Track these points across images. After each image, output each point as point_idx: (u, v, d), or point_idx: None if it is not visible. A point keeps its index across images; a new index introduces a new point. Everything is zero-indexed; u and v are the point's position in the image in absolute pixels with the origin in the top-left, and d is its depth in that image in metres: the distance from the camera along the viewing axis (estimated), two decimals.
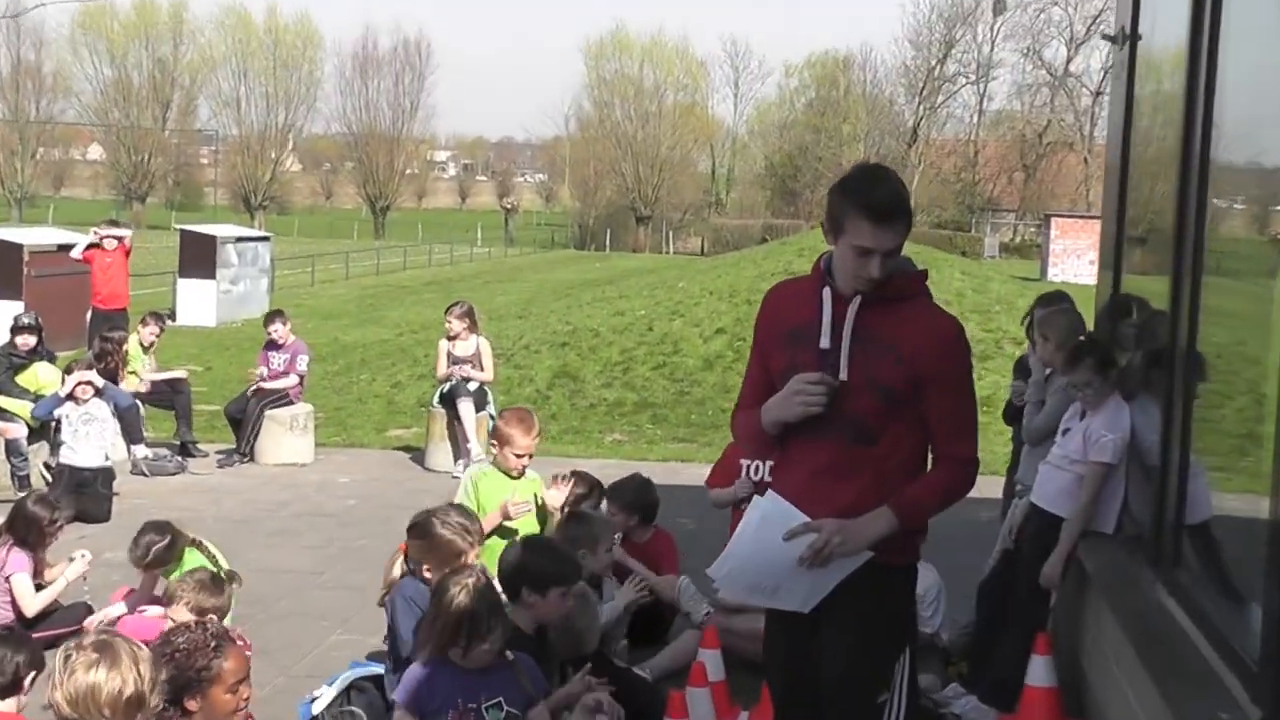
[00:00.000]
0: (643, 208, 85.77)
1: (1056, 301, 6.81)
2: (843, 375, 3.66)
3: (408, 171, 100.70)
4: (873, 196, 3.55)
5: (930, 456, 3.79)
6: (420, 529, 5.16)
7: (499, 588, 4.85)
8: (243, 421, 12.26)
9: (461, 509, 5.54)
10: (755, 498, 3.81)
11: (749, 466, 6.59)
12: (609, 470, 9.37)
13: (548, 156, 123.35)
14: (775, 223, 70.83)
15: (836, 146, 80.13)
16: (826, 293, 3.74)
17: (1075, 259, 45.36)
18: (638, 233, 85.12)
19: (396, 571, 5.17)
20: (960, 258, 37.33)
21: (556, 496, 6.35)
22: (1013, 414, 6.95)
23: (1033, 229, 78.07)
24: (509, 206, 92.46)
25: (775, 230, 64.93)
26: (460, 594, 4.46)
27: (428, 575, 5.10)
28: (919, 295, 3.77)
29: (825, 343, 3.69)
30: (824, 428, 3.68)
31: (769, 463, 3.92)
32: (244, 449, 12.24)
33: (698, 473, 10.26)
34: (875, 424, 3.66)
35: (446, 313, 12.14)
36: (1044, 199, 78.54)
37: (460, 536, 5.04)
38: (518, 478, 6.53)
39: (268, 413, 12.29)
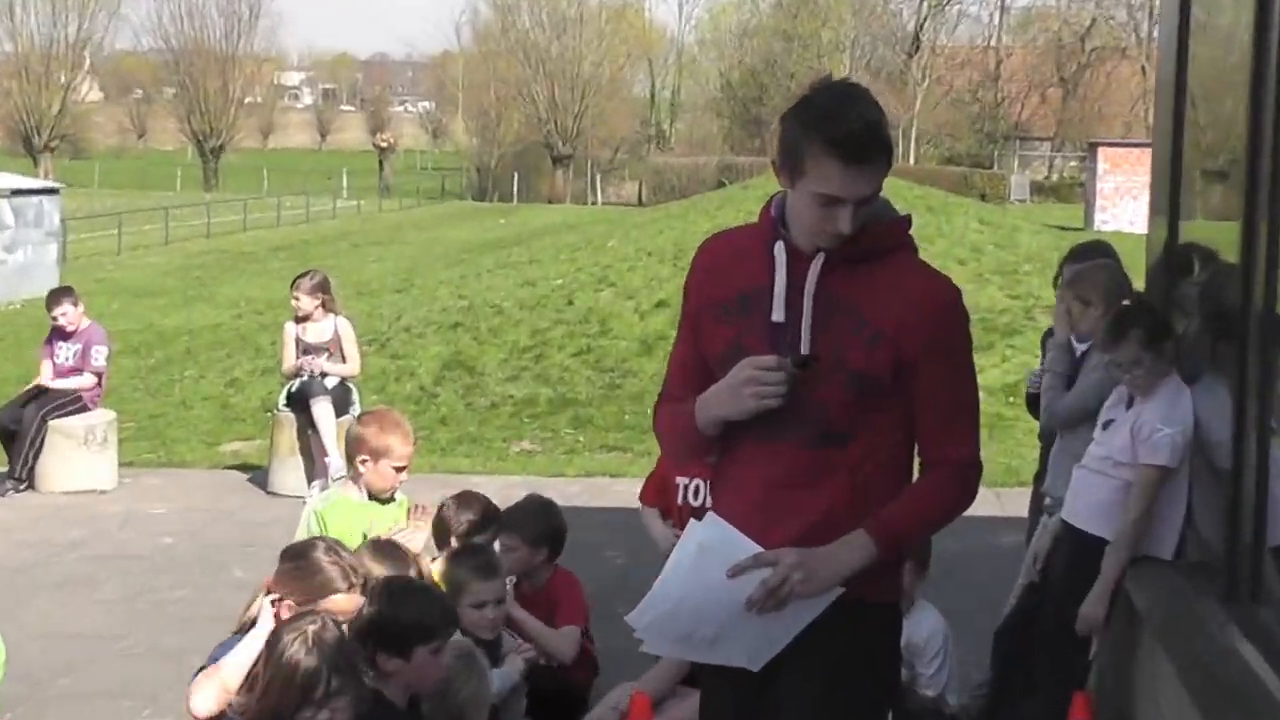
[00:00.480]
0: (561, 144, 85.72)
1: (1093, 253, 6.81)
2: (804, 354, 3.63)
3: (247, 100, 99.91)
4: (842, 128, 3.52)
5: (918, 460, 3.79)
6: (296, 550, 5.08)
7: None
8: (18, 435, 12.10)
9: (379, 545, 5.50)
10: (691, 522, 3.78)
11: (686, 487, 6.55)
12: (514, 490, 9.37)
13: (435, 79, 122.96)
14: (735, 161, 71.06)
15: (814, 59, 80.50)
16: (780, 249, 3.71)
17: (1130, 201, 45.69)
18: (554, 177, 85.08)
19: (254, 612, 5.07)
20: (978, 202, 37.61)
21: (415, 538, 6.25)
22: (1033, 403, 6.98)
23: (1074, 163, 78.84)
24: (384, 145, 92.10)
25: (735, 171, 65.14)
26: (294, 645, 4.38)
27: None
28: (900, 250, 3.76)
29: (779, 315, 3.68)
30: (778, 426, 3.66)
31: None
32: (20, 472, 12.09)
33: (632, 491, 10.23)
34: (845, 419, 3.64)
35: (293, 286, 12.06)
36: (1089, 122, 79.38)
37: (341, 574, 4.97)
38: (386, 501, 6.47)
39: (53, 423, 12.12)
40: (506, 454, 14.36)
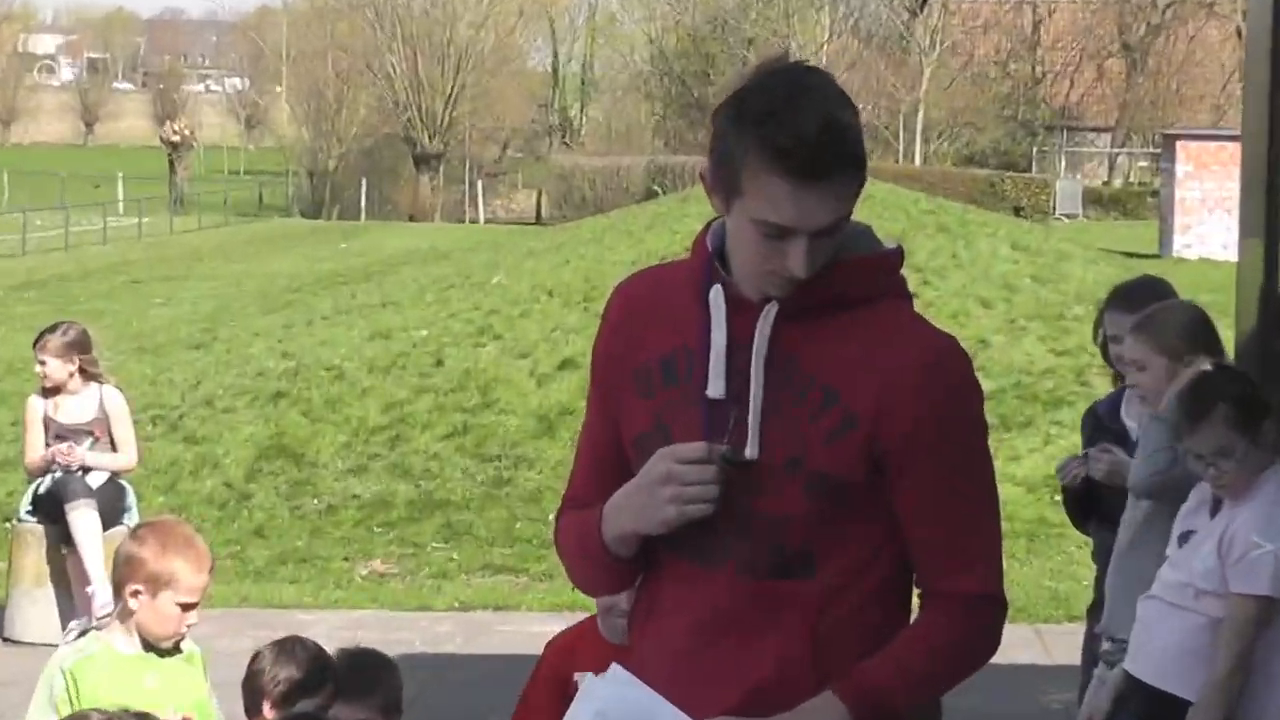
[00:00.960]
0: (427, 138, 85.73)
1: (1144, 296, 6.85)
2: (750, 450, 3.64)
3: None
4: (789, 131, 3.53)
5: (915, 594, 3.79)
6: None
7: None
8: None
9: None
10: (588, 679, 3.79)
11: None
12: (360, 633, 9.40)
13: (248, 46, 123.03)
14: (670, 161, 70.97)
15: (780, 19, 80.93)
16: (717, 295, 3.72)
17: (1223, 216, 45.89)
18: (418, 185, 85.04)
19: None
20: (1011, 218, 37.97)
21: None
22: (1076, 507, 7.00)
23: (1144, 163, 79.46)
24: (177, 139, 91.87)
25: (670, 175, 65.13)
26: None
27: None
28: (885, 297, 3.76)
29: (716, 389, 3.68)
30: (711, 545, 3.68)
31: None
32: None
33: (528, 631, 10.20)
34: (806, 535, 3.65)
35: (37, 346, 11.95)
36: (1165, 106, 80.00)
37: None
38: (169, 653, 6.40)
39: None
40: (349, 579, 14.30)
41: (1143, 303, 6.74)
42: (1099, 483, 6.69)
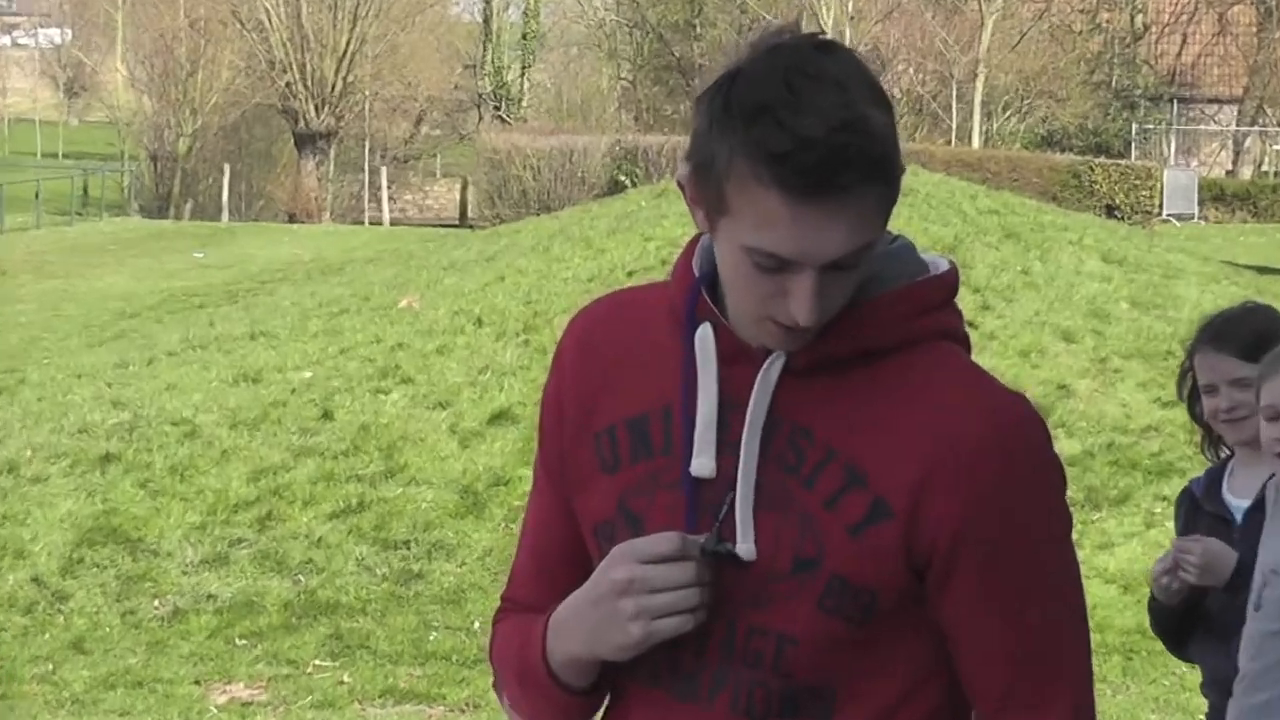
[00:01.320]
0: (313, 112, 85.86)
1: (1253, 329, 6.87)
2: (743, 547, 3.61)
3: None
4: (789, 134, 3.42)
5: None
6: None
7: None
8: None
9: None
10: None
11: None
12: None
13: None
14: (641, 142, 71.04)
15: None
16: (705, 338, 3.68)
17: None
18: (301, 173, 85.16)
19: None
20: (1103, 221, 38.01)
21: None
22: (1169, 625, 7.03)
23: None
24: None
25: (642, 161, 65.29)
26: None
27: None
28: (930, 342, 3.71)
29: (704, 465, 3.65)
30: (701, 674, 3.67)
31: None
32: None
33: None
34: (823, 665, 3.63)
35: None
36: None
37: None
38: None
39: None
40: (202, 709, 14.32)
41: (1249, 341, 6.72)
42: (1197, 588, 6.63)
